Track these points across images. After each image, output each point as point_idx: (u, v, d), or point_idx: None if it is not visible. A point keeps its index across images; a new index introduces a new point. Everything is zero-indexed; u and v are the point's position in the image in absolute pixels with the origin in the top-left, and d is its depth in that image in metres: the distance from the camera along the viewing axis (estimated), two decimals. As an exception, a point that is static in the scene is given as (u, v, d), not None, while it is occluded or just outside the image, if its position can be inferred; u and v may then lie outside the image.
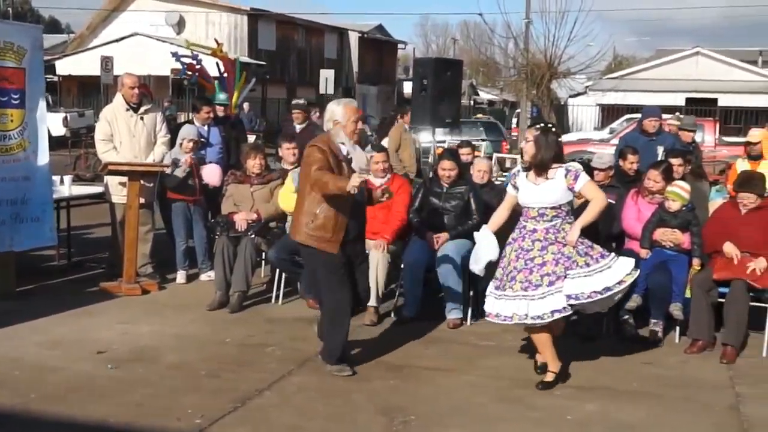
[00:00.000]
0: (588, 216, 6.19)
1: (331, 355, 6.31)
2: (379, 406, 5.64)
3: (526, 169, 6.40)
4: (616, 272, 6.08)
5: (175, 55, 19.32)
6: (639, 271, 6.34)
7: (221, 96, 11.40)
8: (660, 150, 9.57)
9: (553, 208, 6.15)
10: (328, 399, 5.77)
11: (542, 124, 7.09)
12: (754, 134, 9.74)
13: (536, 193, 6.21)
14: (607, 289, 6.01)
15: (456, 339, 7.30)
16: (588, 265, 6.06)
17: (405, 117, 12.61)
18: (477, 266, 6.50)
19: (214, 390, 5.89)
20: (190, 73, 20.16)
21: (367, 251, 7.21)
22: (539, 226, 6.16)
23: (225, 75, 20.37)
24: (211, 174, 9.19)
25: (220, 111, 10.98)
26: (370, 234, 7.91)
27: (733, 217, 7.20)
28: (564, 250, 6.08)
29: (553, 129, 6.58)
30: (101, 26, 43.43)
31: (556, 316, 6.02)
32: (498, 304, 6.21)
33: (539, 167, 6.23)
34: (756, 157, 9.39)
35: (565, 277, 6.03)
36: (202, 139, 9.59)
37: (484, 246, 6.46)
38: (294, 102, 12.34)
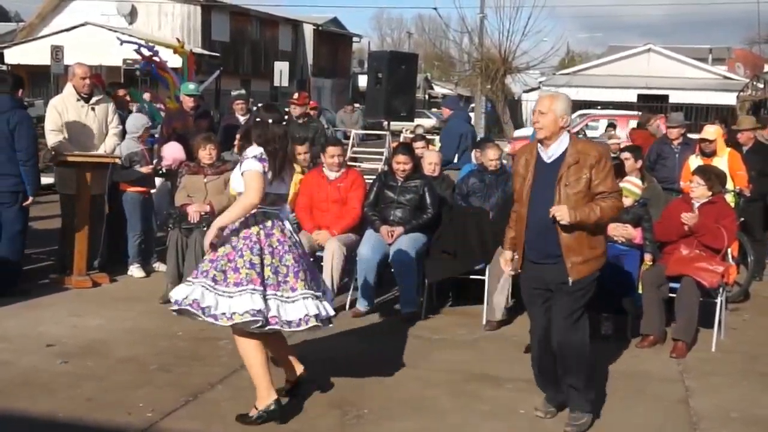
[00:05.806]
0: (227, 215, 5.07)
1: None
2: (332, 399, 5.62)
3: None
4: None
5: (135, 46, 18.93)
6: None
7: (191, 86, 10.91)
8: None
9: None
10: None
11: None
12: (710, 131, 9.26)
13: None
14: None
15: (410, 332, 7.30)
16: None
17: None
18: None
19: (166, 384, 5.84)
20: (148, 65, 19.78)
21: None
22: None
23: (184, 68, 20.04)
24: (173, 151, 9.03)
25: (190, 102, 10.44)
26: (324, 227, 7.93)
27: (685, 211, 7.26)
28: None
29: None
30: (51, 15, 42.73)
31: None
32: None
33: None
34: (709, 155, 9.08)
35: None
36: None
37: None
38: (235, 93, 11.95)
